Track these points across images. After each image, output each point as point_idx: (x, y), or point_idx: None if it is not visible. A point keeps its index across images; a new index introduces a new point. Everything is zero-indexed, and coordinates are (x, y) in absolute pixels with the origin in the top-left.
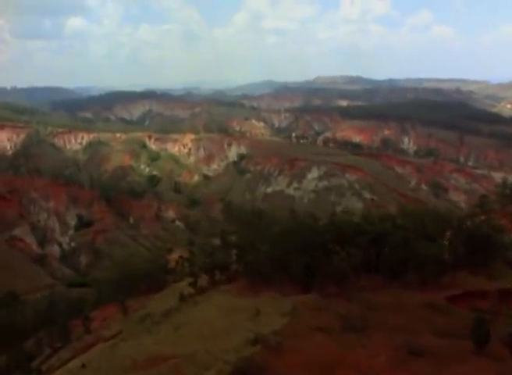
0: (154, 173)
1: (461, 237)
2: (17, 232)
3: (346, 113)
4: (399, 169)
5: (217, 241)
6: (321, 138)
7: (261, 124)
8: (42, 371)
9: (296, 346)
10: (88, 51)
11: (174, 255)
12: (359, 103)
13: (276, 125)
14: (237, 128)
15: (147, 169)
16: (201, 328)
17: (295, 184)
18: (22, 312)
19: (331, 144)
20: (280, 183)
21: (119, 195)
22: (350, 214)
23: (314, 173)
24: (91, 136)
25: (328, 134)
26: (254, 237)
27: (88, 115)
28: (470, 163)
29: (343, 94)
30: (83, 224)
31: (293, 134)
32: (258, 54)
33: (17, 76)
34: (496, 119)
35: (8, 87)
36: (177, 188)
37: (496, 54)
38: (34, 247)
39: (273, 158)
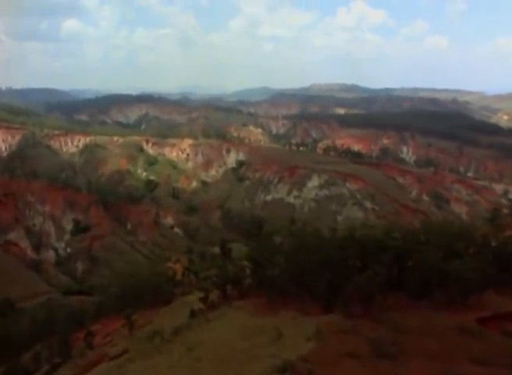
0: (152, 177)
1: (487, 254)
2: (12, 236)
3: (344, 121)
4: (399, 179)
5: (216, 250)
6: (320, 146)
7: (259, 130)
8: None
9: (327, 374)
10: (84, 54)
11: (178, 265)
12: (356, 111)
13: (274, 132)
14: (235, 134)
15: (145, 174)
16: (218, 350)
17: (295, 192)
18: (18, 322)
19: (331, 153)
20: (280, 191)
21: (116, 200)
22: (371, 228)
23: (314, 182)
24: (88, 139)
25: (327, 142)
26: (270, 250)
27: (84, 117)
28: (469, 174)
29: (340, 102)
30: (80, 229)
31: (293, 141)
32: (254, 60)
33: (12, 76)
34: (495, 130)
35: (4, 87)
36: (175, 194)
37: (491, 65)
38: (29, 252)
39: (273, 166)
